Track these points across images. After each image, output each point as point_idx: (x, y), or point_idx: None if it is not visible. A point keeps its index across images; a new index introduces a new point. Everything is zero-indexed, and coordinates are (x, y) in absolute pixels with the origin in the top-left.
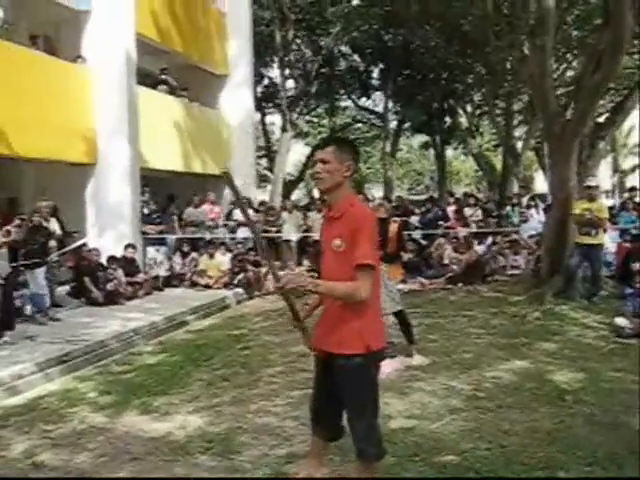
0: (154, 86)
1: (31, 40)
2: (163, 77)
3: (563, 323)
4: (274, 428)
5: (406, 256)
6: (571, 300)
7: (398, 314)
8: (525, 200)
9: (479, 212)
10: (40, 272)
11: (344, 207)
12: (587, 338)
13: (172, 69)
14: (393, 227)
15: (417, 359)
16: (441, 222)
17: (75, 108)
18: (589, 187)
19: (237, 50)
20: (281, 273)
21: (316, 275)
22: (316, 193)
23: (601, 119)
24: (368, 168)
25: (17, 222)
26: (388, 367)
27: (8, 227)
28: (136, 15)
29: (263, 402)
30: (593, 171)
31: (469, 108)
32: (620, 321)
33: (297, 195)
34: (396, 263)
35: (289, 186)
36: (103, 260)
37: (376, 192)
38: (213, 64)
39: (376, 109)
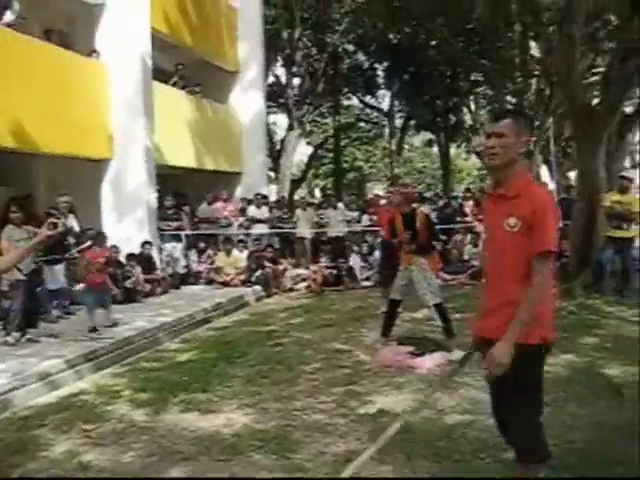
0: (166, 82)
1: (45, 35)
2: (179, 73)
3: (599, 317)
4: (325, 425)
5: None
6: (601, 294)
7: (437, 307)
8: None
9: None
10: (59, 268)
11: (520, 185)
12: (627, 332)
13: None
14: (420, 217)
15: (456, 354)
16: (458, 218)
17: (91, 103)
18: (623, 177)
19: (248, 48)
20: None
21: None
22: (331, 190)
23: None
24: (370, 167)
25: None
26: (429, 362)
27: (53, 220)
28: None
29: (307, 399)
30: (621, 163)
31: (472, 106)
32: None
33: (299, 195)
34: (431, 254)
35: (292, 186)
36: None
37: (378, 191)
38: (224, 60)
39: (381, 107)
